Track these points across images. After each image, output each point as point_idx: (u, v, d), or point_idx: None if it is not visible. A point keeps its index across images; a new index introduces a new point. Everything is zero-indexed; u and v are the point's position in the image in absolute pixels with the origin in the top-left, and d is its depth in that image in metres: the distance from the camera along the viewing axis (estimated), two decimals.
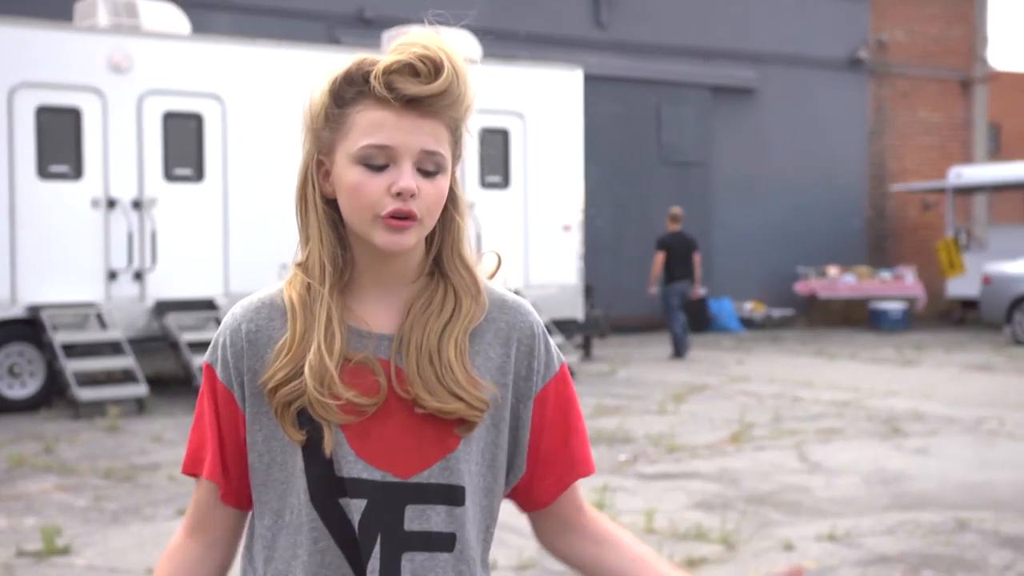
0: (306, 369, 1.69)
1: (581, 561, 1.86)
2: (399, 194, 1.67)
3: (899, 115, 24.53)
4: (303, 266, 1.76)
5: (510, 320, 1.80)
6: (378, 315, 1.76)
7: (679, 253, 16.42)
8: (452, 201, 1.78)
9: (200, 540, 1.82)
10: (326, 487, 1.71)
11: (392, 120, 1.67)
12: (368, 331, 1.74)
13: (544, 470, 1.82)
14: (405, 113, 1.68)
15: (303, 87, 1.77)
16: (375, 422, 1.71)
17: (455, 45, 1.71)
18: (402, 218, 1.68)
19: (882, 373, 14.75)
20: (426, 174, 1.69)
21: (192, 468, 1.81)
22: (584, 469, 1.85)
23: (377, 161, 1.68)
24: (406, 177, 1.67)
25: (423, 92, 1.67)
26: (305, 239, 1.76)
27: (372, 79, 1.68)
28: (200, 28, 14.60)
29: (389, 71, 1.67)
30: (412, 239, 1.70)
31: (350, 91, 1.70)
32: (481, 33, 16.18)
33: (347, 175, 1.69)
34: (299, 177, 1.77)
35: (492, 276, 1.84)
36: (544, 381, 1.81)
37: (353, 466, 1.71)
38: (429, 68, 1.67)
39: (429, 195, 1.69)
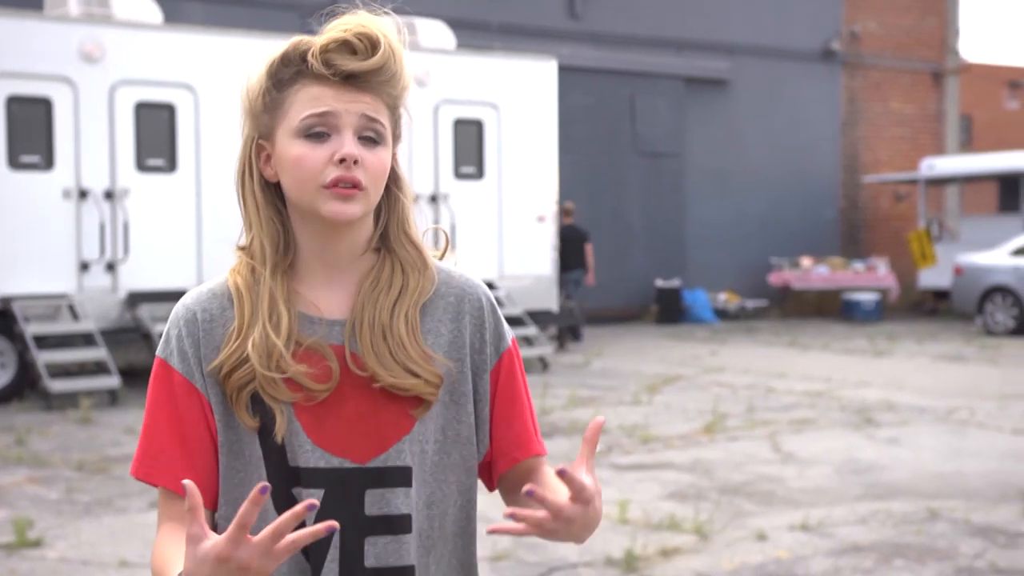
0: (249, 347, 1.69)
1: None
2: (342, 161, 1.67)
3: (872, 106, 24.63)
4: (247, 250, 1.77)
5: (458, 294, 1.80)
6: (328, 299, 1.76)
7: (573, 244, 16.97)
8: (395, 181, 1.80)
9: (180, 523, 1.76)
10: (281, 478, 1.71)
11: (331, 94, 1.69)
12: (319, 317, 1.74)
13: (495, 444, 1.81)
14: (343, 88, 1.69)
15: (248, 68, 1.77)
16: (330, 409, 1.71)
17: (391, 25, 1.73)
18: (347, 186, 1.68)
19: (854, 364, 14.83)
20: (367, 142, 1.70)
21: (146, 475, 1.75)
22: (530, 449, 1.82)
23: (318, 130, 1.69)
24: (348, 143, 1.68)
25: (360, 68, 1.69)
26: (248, 224, 1.77)
27: (309, 56, 1.69)
28: (172, 18, 14.51)
29: (326, 49, 1.69)
30: (358, 208, 1.70)
31: (287, 71, 1.71)
32: (455, 24, 16.15)
33: (289, 150, 1.70)
34: (238, 162, 1.78)
35: (442, 256, 1.85)
36: (497, 354, 1.81)
37: (310, 455, 1.70)
38: (366, 45, 1.69)
39: (372, 164, 1.70)
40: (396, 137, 1.78)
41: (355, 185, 1.68)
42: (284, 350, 1.69)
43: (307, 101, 1.69)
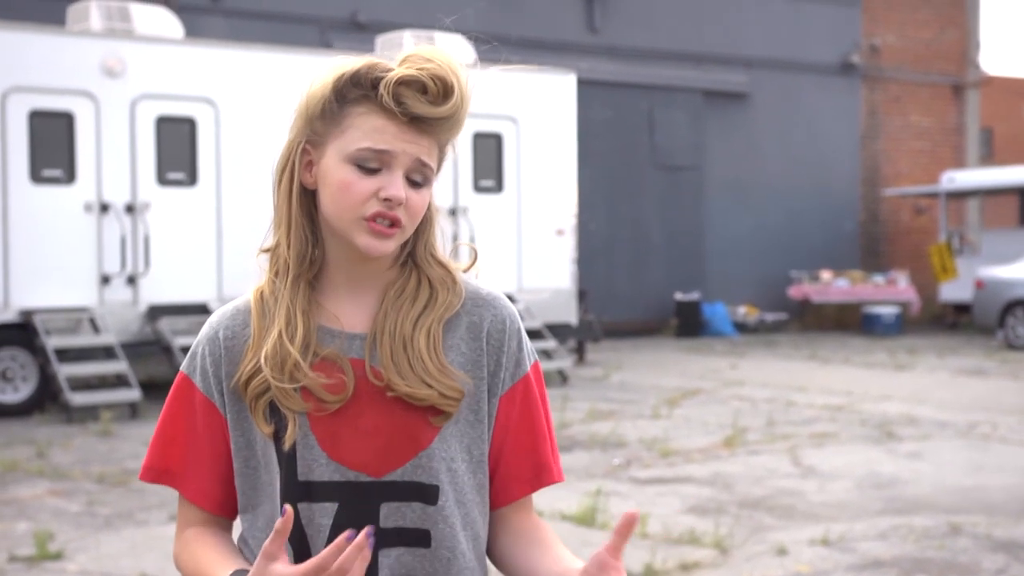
0: (261, 357, 1.70)
1: (513, 562, 1.81)
2: (387, 200, 1.68)
3: (892, 119, 24.57)
4: (272, 253, 1.77)
5: (482, 314, 1.79)
6: (350, 313, 1.76)
7: None
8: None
9: (205, 527, 1.82)
10: (291, 491, 1.71)
11: (393, 130, 1.68)
12: (340, 330, 1.75)
13: (507, 471, 1.80)
14: (407, 128, 1.69)
15: (317, 68, 1.76)
16: (346, 422, 1.71)
17: (465, 66, 1.72)
18: (387, 224, 1.69)
19: (875, 377, 14.77)
20: (413, 184, 1.71)
21: (155, 477, 1.80)
22: (549, 477, 1.81)
23: (370, 164, 1.68)
24: (396, 185, 1.68)
25: (431, 114, 1.68)
26: (276, 225, 1.77)
27: (382, 87, 1.68)
28: (193, 32, 14.59)
29: (399, 83, 1.67)
30: (393, 245, 1.71)
31: (355, 92, 1.70)
32: (474, 37, 16.18)
33: (337, 172, 1.69)
34: (280, 160, 1.77)
35: (468, 269, 1.84)
36: (513, 379, 1.79)
37: (325, 469, 1.70)
38: (439, 89, 1.68)
39: (414, 204, 1.71)
40: (438, 170, 1.78)
41: (394, 223, 1.69)
42: (300, 358, 1.70)
43: (368, 131, 1.68)
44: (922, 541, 6.66)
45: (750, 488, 8.13)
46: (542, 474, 1.80)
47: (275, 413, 1.72)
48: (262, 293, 1.77)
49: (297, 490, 1.71)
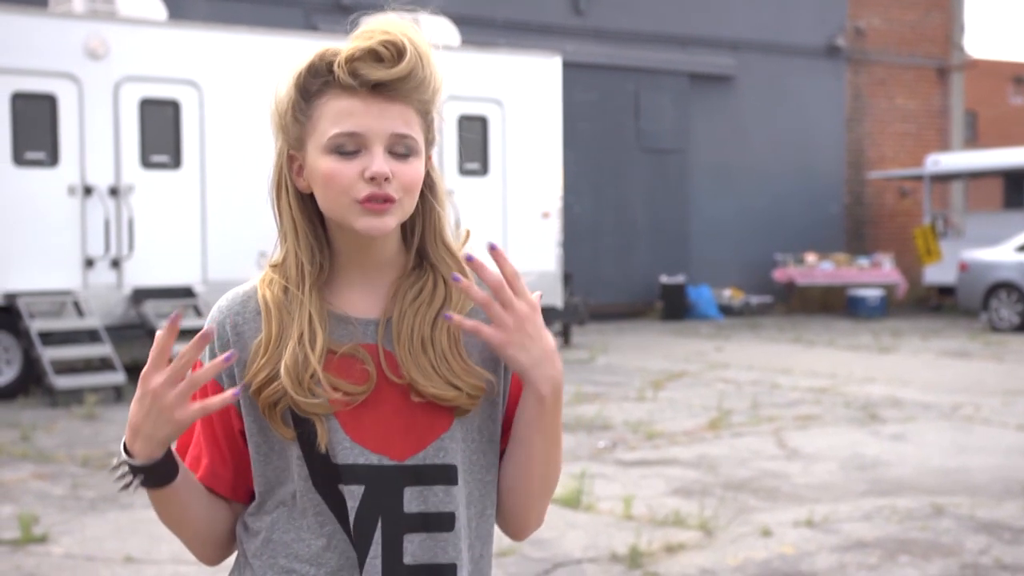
0: (281, 370, 1.69)
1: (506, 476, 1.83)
2: (372, 179, 1.67)
3: (876, 102, 24.60)
4: (280, 267, 1.76)
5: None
6: (359, 301, 1.76)
7: None
8: (429, 187, 1.79)
9: None
10: (326, 474, 1.72)
11: (359, 107, 1.68)
12: (349, 316, 1.75)
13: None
14: (372, 99, 1.68)
15: (275, 78, 1.77)
16: (368, 407, 1.72)
17: (418, 29, 1.72)
18: (379, 202, 1.68)
19: (859, 360, 14.82)
20: (399, 156, 1.70)
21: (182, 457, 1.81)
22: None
23: (348, 148, 1.68)
24: (378, 161, 1.67)
25: (387, 76, 1.67)
26: (283, 237, 1.77)
27: (335, 67, 1.68)
28: (176, 14, 14.52)
29: (352, 59, 1.67)
30: (392, 221, 1.70)
31: (315, 83, 1.70)
32: (459, 20, 16.14)
33: (319, 165, 1.69)
34: (273, 174, 1.77)
35: (462, 247, 1.84)
36: None
37: (349, 452, 1.71)
38: (392, 52, 1.67)
39: (404, 176, 1.70)
40: (430, 142, 1.77)
41: (387, 200, 1.68)
42: (320, 371, 1.69)
43: (336, 116, 1.68)
44: (905, 522, 6.70)
45: (735, 470, 8.16)
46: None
47: (296, 416, 1.71)
48: (270, 296, 1.74)
49: (332, 473, 1.71)
